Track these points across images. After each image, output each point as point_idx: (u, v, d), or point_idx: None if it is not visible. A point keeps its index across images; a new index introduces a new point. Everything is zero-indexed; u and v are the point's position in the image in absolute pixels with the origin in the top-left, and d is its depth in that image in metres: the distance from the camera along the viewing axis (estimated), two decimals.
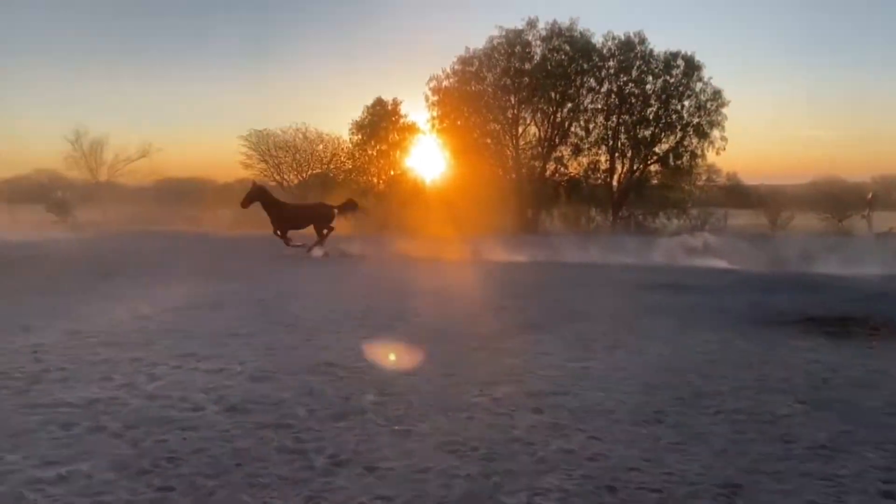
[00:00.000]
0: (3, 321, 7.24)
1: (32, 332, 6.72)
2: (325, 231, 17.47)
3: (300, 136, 39.83)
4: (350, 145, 39.66)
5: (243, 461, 3.55)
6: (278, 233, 17.25)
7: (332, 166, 40.33)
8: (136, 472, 3.38)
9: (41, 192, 37.77)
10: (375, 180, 39.70)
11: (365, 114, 38.60)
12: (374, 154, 39.13)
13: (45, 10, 67.13)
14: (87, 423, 4.06)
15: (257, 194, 17.50)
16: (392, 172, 39.46)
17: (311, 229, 17.71)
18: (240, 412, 4.34)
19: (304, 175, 40.19)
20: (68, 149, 44.24)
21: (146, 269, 13.19)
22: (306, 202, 18.16)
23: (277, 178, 40.22)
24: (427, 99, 35.91)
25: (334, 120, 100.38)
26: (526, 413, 4.40)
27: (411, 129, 38.32)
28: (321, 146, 40.21)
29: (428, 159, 38.67)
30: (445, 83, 35.33)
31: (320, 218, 17.59)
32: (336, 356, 5.89)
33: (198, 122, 72.60)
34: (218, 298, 9.29)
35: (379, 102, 38.52)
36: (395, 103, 38.50)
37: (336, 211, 17.80)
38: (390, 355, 6.05)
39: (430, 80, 35.64)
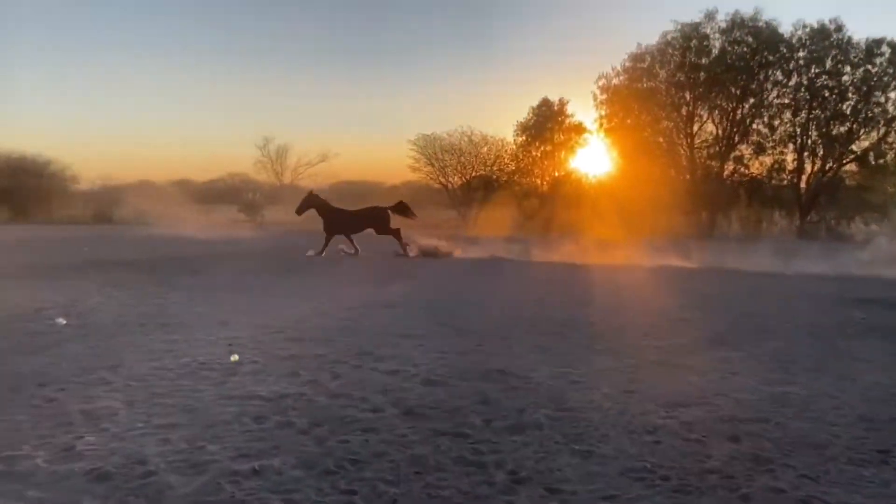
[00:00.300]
0: (204, 316, 7.91)
1: (228, 326, 7.27)
2: (394, 231, 17.57)
3: (465, 139, 40.62)
4: (514, 147, 39.77)
5: (422, 470, 3.50)
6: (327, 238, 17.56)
7: (495, 168, 40.68)
8: (322, 472, 3.45)
9: (234, 193, 41.57)
10: (539, 181, 39.50)
11: (530, 115, 38.58)
12: (539, 155, 38.96)
13: (235, 27, 74.08)
14: (277, 418, 4.24)
15: (312, 202, 17.99)
16: (556, 174, 39.05)
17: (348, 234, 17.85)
18: (416, 417, 4.33)
19: (468, 177, 40.90)
20: (257, 154, 48.64)
21: (323, 267, 13.94)
22: (359, 208, 18.37)
23: (442, 180, 41.33)
24: (595, 98, 35.24)
25: (499, 121, 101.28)
26: (721, 441, 3.98)
27: (578, 129, 37.75)
28: (485, 148, 40.73)
29: (594, 160, 37.87)
30: (615, 81, 34.47)
31: (376, 221, 17.66)
32: (508, 364, 5.76)
33: (370, 127, 76.48)
34: (389, 298, 9.56)
35: (545, 103, 38.29)
36: (562, 103, 38.11)
37: (390, 212, 17.85)
38: (563, 366, 5.81)
39: (599, 78, 34.97)
